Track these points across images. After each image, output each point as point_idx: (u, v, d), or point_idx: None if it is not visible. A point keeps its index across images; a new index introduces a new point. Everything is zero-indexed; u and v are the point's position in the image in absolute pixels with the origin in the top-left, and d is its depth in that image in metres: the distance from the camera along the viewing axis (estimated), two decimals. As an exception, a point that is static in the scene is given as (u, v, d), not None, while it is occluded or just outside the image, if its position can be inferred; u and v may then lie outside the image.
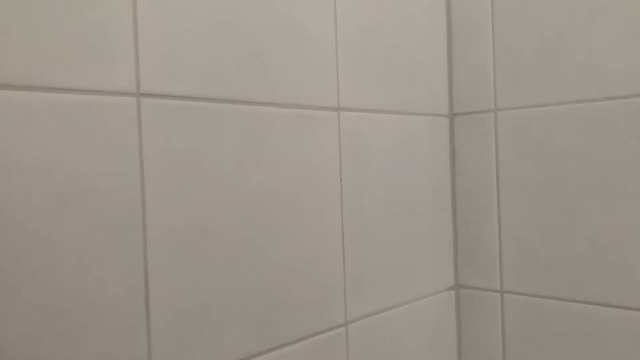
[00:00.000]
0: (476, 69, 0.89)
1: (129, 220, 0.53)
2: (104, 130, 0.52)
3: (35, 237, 0.47)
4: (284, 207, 0.67)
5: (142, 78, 0.54)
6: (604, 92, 0.77)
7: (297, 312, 0.68)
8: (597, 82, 0.77)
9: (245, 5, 0.63)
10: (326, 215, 0.72)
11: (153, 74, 0.55)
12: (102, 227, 0.51)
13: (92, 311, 0.51)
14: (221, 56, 0.61)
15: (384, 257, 0.80)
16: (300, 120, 0.69)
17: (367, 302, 0.77)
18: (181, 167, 0.57)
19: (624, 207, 0.76)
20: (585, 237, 0.79)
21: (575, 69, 0.79)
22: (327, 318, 0.72)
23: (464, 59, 0.90)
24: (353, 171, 0.75)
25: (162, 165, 0.56)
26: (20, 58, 0.47)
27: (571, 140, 0.80)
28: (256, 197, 0.64)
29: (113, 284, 0.52)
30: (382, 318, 0.79)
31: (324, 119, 0.71)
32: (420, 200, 0.86)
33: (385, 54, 0.80)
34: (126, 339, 0.53)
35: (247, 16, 0.63)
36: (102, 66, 0.51)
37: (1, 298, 0.46)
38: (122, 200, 0.53)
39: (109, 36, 0.52)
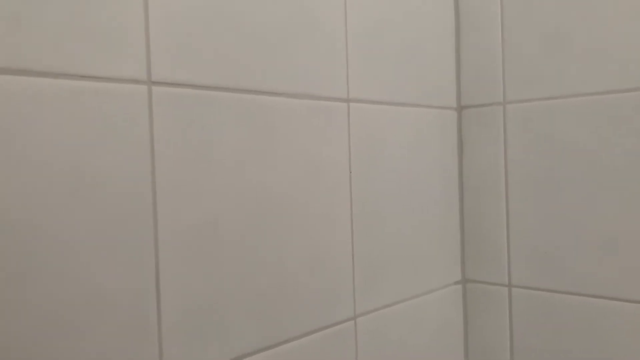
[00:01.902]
0: (484, 61, 0.88)
1: (140, 214, 0.52)
2: (115, 119, 0.50)
3: (43, 232, 0.46)
4: (293, 200, 0.66)
5: (153, 66, 0.53)
6: (612, 84, 0.76)
7: (306, 305, 0.67)
8: (605, 75, 0.77)
9: (257, -7, 0.62)
10: (335, 208, 0.71)
11: (164, 62, 0.53)
12: (112, 221, 0.50)
13: (103, 308, 0.49)
14: (232, 46, 0.59)
15: (392, 251, 0.79)
16: (310, 110, 0.67)
17: (375, 295, 0.76)
18: (191, 158, 0.56)
19: (632, 200, 0.75)
20: (594, 230, 0.78)
21: (583, 62, 0.78)
22: (336, 312, 0.71)
23: (472, 51, 0.89)
24: (362, 163, 0.74)
25: (172, 156, 0.54)
26: (31, 44, 0.45)
27: (580, 133, 0.79)
28: (265, 190, 0.63)
29: (124, 280, 0.51)
30: (390, 312, 0.78)
31: (334, 110, 0.70)
32: (428, 193, 0.85)
33: (394, 46, 0.79)
34: (137, 335, 0.52)
35: (258, 6, 0.62)
36: (113, 53, 0.50)
37: (10, 294, 0.44)
38: (132, 193, 0.51)
39: (121, 23, 0.50)
